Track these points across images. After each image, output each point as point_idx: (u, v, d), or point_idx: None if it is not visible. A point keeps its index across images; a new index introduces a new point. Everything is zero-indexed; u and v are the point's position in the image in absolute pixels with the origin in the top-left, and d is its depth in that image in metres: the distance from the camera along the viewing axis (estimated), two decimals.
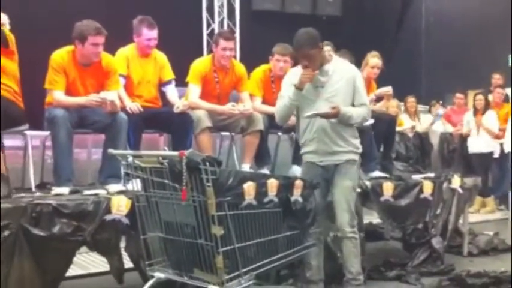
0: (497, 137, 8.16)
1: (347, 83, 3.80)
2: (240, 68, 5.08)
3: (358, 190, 4.57)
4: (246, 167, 4.77)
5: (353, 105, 3.83)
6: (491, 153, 8.10)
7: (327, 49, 5.04)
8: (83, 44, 4.02)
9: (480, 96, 8.24)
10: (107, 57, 4.26)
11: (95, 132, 4.28)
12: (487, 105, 8.18)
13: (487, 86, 8.73)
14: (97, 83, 4.21)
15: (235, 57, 8.92)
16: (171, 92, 4.73)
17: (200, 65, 4.84)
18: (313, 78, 3.72)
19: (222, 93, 4.90)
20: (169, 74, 4.76)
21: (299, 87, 3.74)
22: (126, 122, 4.06)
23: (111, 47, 4.37)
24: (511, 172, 7.77)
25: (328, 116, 3.72)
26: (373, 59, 5.44)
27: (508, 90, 8.75)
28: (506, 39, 9.96)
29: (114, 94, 4.16)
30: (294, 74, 3.87)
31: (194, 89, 4.76)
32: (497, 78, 8.69)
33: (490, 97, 8.49)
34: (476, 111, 8.26)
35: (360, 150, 3.93)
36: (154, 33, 4.55)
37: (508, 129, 7.89)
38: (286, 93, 3.87)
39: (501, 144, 8.10)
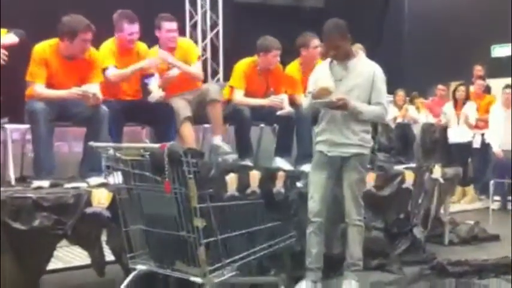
0: (478, 127, 8.24)
1: (365, 79, 3.84)
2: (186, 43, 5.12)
3: None
4: (217, 139, 4.70)
5: (369, 102, 3.85)
6: (470, 143, 8.18)
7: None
8: (72, 40, 4.00)
9: (462, 88, 8.32)
10: (90, 50, 4.22)
11: (76, 125, 4.25)
12: (468, 97, 8.26)
13: (469, 77, 8.80)
14: (79, 75, 4.17)
15: (217, 48, 9.00)
16: (154, 84, 4.68)
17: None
18: (329, 93, 3.72)
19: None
20: None
21: (315, 98, 3.79)
22: (107, 115, 4.03)
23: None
24: (492, 162, 7.90)
25: (333, 106, 3.74)
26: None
27: (489, 82, 8.84)
28: (489, 31, 10.06)
29: (96, 87, 4.13)
30: (318, 72, 4.00)
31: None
32: (478, 69, 8.76)
33: (472, 88, 8.57)
34: (456, 103, 8.34)
35: (370, 145, 3.97)
36: (135, 27, 4.50)
37: (489, 119, 7.98)
38: (309, 92, 3.93)
39: (482, 135, 8.19)
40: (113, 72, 4.36)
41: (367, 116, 3.86)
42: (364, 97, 3.84)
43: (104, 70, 4.37)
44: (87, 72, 4.20)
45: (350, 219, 3.93)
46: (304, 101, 4.09)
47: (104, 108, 4.07)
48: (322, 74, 3.95)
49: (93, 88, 4.04)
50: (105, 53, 4.49)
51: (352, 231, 3.94)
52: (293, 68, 5.31)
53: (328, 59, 3.99)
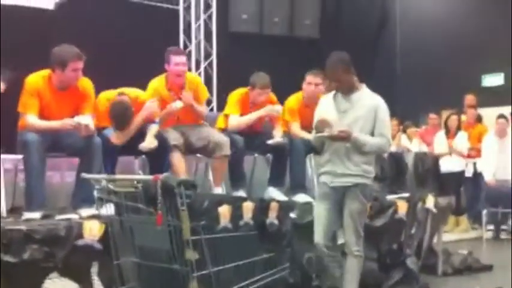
0: (470, 156, 8.28)
1: (369, 111, 3.90)
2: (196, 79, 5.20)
3: None
4: (218, 191, 4.75)
5: (372, 134, 3.91)
6: (462, 173, 8.21)
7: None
8: (63, 69, 4.01)
9: (454, 117, 8.37)
10: (83, 80, 4.23)
11: (69, 155, 4.23)
12: (459, 126, 8.31)
13: (460, 106, 8.87)
14: (72, 106, 4.17)
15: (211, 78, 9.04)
16: (152, 132, 4.44)
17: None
18: (329, 125, 3.82)
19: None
20: None
21: (318, 132, 3.88)
22: (101, 146, 4.03)
23: None
24: (484, 191, 7.92)
25: (337, 138, 3.81)
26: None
27: (480, 111, 8.91)
28: (479, 60, 10.17)
29: (88, 118, 4.13)
30: (324, 104, 4.09)
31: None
32: (470, 99, 8.83)
33: (464, 117, 8.64)
34: (448, 132, 8.39)
35: (372, 175, 4.01)
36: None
37: (482, 149, 8.02)
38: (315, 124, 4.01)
39: (474, 164, 8.23)
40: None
41: (370, 148, 3.90)
42: (367, 129, 3.89)
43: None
44: (79, 102, 4.19)
45: (349, 249, 3.93)
46: (312, 134, 4.11)
47: (98, 139, 4.07)
48: (325, 106, 4.04)
49: (85, 119, 4.04)
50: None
51: (350, 263, 3.94)
52: (294, 98, 5.33)
53: (333, 92, 4.06)
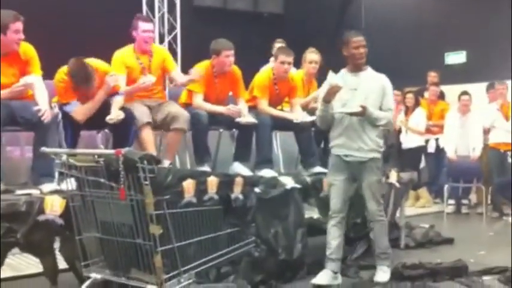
0: (433, 132, 8.41)
1: (378, 88, 4.25)
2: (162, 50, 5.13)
3: (299, 186, 4.65)
4: (166, 163, 4.60)
5: (380, 109, 4.24)
6: (421, 148, 8.33)
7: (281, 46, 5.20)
8: (4, 33, 3.87)
9: (410, 95, 8.48)
10: (24, 45, 4.08)
11: (26, 129, 4.10)
12: (417, 103, 8.40)
13: (423, 83, 8.98)
14: (17, 72, 4.03)
15: (175, 52, 8.91)
16: (117, 104, 4.40)
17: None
18: (339, 89, 4.07)
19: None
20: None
21: (326, 100, 4.13)
22: (56, 119, 3.92)
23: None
24: (446, 166, 8.07)
25: (357, 114, 4.12)
26: (311, 55, 5.61)
27: (443, 88, 9.03)
28: (443, 38, 10.28)
29: (34, 78, 4.00)
30: (332, 78, 4.20)
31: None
32: (433, 76, 8.94)
33: (426, 94, 8.75)
34: (406, 109, 8.50)
35: (383, 149, 4.38)
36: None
37: (445, 125, 8.15)
38: (321, 98, 4.25)
39: (436, 140, 8.36)
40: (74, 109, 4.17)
41: (381, 121, 4.22)
42: (377, 104, 4.22)
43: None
44: (24, 67, 4.06)
45: (372, 216, 4.33)
46: (317, 111, 4.34)
47: (52, 112, 3.95)
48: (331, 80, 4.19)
49: (30, 78, 3.93)
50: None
51: (376, 226, 4.35)
52: (264, 75, 5.33)
53: (340, 72, 4.30)
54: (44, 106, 3.89)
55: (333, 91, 4.07)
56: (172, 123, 4.65)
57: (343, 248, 4.37)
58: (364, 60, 4.29)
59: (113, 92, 4.37)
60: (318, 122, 4.39)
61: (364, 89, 4.22)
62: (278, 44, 6.19)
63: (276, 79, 5.26)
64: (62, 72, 4.26)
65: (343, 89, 4.14)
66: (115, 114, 4.24)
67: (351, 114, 4.14)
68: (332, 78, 4.12)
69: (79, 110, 4.19)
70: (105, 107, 4.29)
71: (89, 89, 4.19)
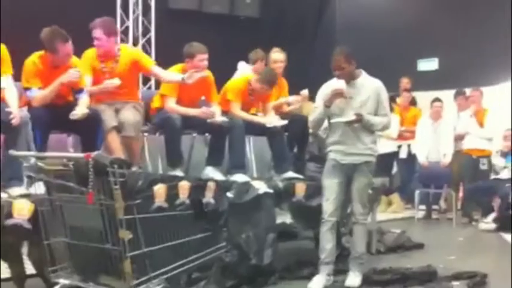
0: (405, 138, 8.49)
1: (373, 94, 4.36)
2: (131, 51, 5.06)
3: (271, 191, 4.65)
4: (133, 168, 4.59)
5: (376, 114, 4.37)
6: (393, 154, 8.41)
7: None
8: None
9: None
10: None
11: None
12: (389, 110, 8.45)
13: (396, 89, 9.06)
14: None
15: (149, 55, 8.85)
16: (82, 101, 4.37)
17: None
18: (342, 95, 4.25)
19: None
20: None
21: (327, 105, 4.29)
22: (27, 121, 3.86)
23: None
24: (417, 172, 8.16)
25: (353, 122, 4.26)
26: (275, 54, 5.65)
27: (416, 94, 9.14)
28: (416, 45, 10.41)
29: (4, 78, 3.95)
30: (327, 88, 4.42)
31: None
32: (405, 82, 9.04)
33: (398, 100, 8.83)
34: None
35: (377, 153, 4.51)
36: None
37: (417, 131, 8.24)
38: (318, 105, 4.42)
39: (408, 145, 8.44)
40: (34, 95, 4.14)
41: (377, 127, 4.40)
42: (373, 110, 4.35)
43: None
44: None
45: (356, 217, 4.42)
46: (311, 116, 4.51)
47: (23, 114, 3.90)
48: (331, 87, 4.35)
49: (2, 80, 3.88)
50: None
51: (357, 229, 4.46)
52: (240, 80, 5.34)
53: (334, 79, 4.40)
54: (15, 108, 3.84)
55: (337, 96, 4.24)
56: (121, 130, 4.58)
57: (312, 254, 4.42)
58: (346, 78, 4.33)
59: (79, 90, 4.33)
60: (311, 125, 4.60)
61: (359, 97, 4.33)
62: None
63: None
64: (35, 55, 4.24)
65: (343, 85, 4.30)
66: (79, 109, 4.16)
67: (348, 123, 4.27)
68: (337, 82, 4.30)
69: (36, 96, 4.15)
70: (73, 109, 4.23)
71: (60, 57, 4.19)
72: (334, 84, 4.35)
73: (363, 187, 4.40)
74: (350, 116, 4.24)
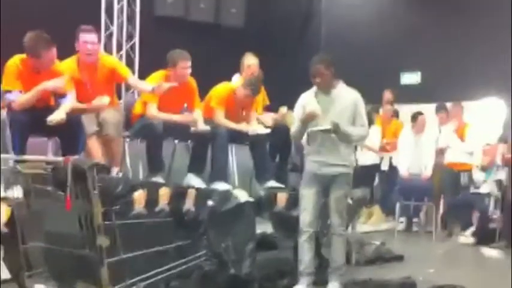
0: (386, 150, 8.52)
1: (350, 105, 4.35)
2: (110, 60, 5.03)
3: (252, 200, 4.64)
4: (114, 170, 4.49)
5: (353, 125, 4.35)
6: (376, 166, 8.43)
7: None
8: None
9: None
10: None
11: None
12: (370, 121, 8.46)
13: (378, 102, 9.10)
14: None
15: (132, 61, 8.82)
16: (64, 106, 4.28)
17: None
18: (316, 116, 4.24)
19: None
20: None
21: (303, 123, 4.30)
22: (4, 124, 3.81)
23: None
24: (398, 185, 8.18)
25: (329, 131, 4.23)
26: (248, 59, 5.62)
27: (398, 107, 9.19)
28: (398, 58, 10.50)
29: None
30: (304, 99, 4.42)
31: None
32: (387, 95, 9.07)
33: (381, 112, 8.87)
34: None
35: (354, 165, 4.53)
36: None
37: (399, 143, 8.28)
38: (297, 118, 4.42)
39: (390, 158, 8.47)
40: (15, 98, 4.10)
41: (355, 137, 4.40)
42: (349, 121, 4.33)
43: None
44: None
45: (334, 229, 4.39)
46: (292, 127, 4.50)
47: (1, 116, 3.85)
48: (308, 102, 4.36)
49: None
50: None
51: (336, 241, 4.41)
52: (223, 87, 5.30)
53: (312, 90, 4.40)
54: None
55: (311, 117, 4.23)
56: (101, 130, 4.56)
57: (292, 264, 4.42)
58: (324, 87, 4.34)
59: (61, 95, 4.28)
60: (293, 136, 4.59)
61: (336, 107, 4.32)
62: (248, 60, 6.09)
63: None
64: (18, 57, 4.21)
65: (317, 106, 4.28)
66: (55, 114, 4.10)
67: (324, 131, 4.24)
68: (310, 105, 4.28)
69: (17, 100, 4.10)
70: (53, 112, 4.18)
71: (43, 62, 4.15)
72: (308, 103, 4.32)
73: (340, 198, 4.37)
74: (326, 125, 4.22)
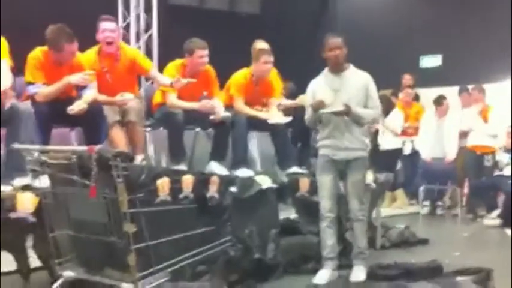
0: (409, 134, 8.46)
1: (361, 87, 4.30)
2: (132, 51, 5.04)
3: (275, 186, 4.64)
4: (138, 159, 4.55)
5: (365, 107, 4.30)
6: (399, 150, 8.38)
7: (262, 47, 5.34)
8: None
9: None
10: None
11: None
12: (391, 105, 8.40)
13: (398, 86, 9.03)
14: None
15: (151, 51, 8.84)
16: (85, 96, 4.31)
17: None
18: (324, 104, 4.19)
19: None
20: None
21: (314, 110, 4.26)
22: (29, 114, 3.85)
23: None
24: (421, 168, 8.13)
25: (341, 113, 4.18)
26: (260, 43, 5.45)
27: (418, 91, 9.11)
28: (418, 41, 10.38)
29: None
30: (313, 85, 4.43)
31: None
32: (407, 78, 9.01)
33: (400, 95, 8.80)
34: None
35: (369, 148, 4.46)
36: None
37: (421, 128, 8.21)
38: (307, 104, 4.40)
39: (412, 142, 8.41)
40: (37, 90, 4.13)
41: (367, 119, 4.33)
42: (361, 103, 4.27)
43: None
44: None
45: (354, 215, 4.36)
46: (306, 114, 4.45)
47: (25, 106, 3.88)
48: (318, 87, 4.36)
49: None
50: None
51: (356, 226, 4.40)
52: (242, 74, 5.27)
53: (322, 75, 4.40)
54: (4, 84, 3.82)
55: (321, 105, 4.19)
56: (124, 117, 4.58)
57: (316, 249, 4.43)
58: (340, 62, 4.32)
59: (83, 86, 4.30)
60: (307, 123, 4.51)
61: (347, 89, 4.28)
62: (259, 45, 6.10)
63: (256, 79, 5.24)
64: (39, 50, 4.23)
65: (327, 91, 4.26)
66: (76, 105, 4.11)
67: (336, 113, 4.19)
68: (319, 92, 4.28)
69: (41, 92, 4.13)
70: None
71: (64, 56, 4.16)
72: (318, 90, 4.32)
73: (357, 182, 4.33)
74: (338, 107, 4.18)
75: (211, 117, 4.83)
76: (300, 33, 10.68)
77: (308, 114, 4.42)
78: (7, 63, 4.05)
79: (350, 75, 4.34)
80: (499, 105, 7.96)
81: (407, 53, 10.43)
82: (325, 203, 4.34)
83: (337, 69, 4.33)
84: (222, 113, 4.86)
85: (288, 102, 5.66)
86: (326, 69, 4.42)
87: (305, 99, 4.82)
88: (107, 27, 4.63)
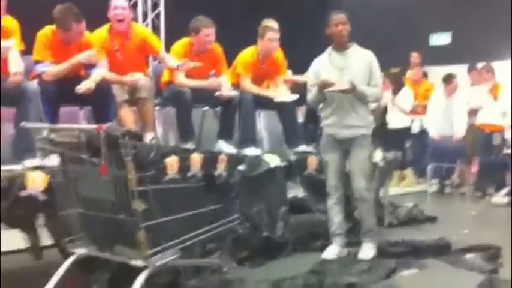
0: (417, 113, 8.42)
1: (365, 65, 4.29)
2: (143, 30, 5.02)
3: (283, 164, 4.65)
4: (148, 137, 4.58)
5: (368, 85, 4.29)
6: (406, 129, 8.35)
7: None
8: None
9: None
10: (5, 19, 4.01)
11: (4, 105, 4.01)
12: (401, 83, 8.34)
13: (407, 64, 8.98)
14: None
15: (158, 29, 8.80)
16: (94, 76, 4.28)
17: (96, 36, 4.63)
18: (330, 85, 4.17)
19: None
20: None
21: (321, 89, 4.23)
22: (37, 94, 3.86)
23: None
24: (430, 147, 8.11)
25: (346, 91, 4.16)
26: (268, 21, 5.30)
27: (427, 69, 9.05)
28: (427, 19, 10.28)
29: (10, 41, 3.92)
30: (317, 63, 4.42)
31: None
32: (415, 57, 8.94)
33: (409, 74, 8.75)
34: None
35: (373, 125, 4.42)
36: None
37: (429, 106, 8.17)
38: (311, 84, 4.37)
39: (421, 120, 8.38)
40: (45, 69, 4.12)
41: (370, 97, 4.31)
42: (365, 81, 4.26)
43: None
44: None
45: (359, 194, 4.35)
46: (309, 94, 4.43)
47: (33, 86, 3.89)
48: (322, 65, 4.36)
49: (7, 43, 3.85)
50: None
51: (362, 206, 4.41)
52: (248, 53, 5.25)
53: (326, 53, 4.37)
54: (15, 68, 3.82)
55: (326, 85, 4.17)
56: (135, 93, 4.59)
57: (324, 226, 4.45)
58: (345, 38, 4.30)
59: (92, 65, 4.30)
60: (310, 103, 4.51)
61: (351, 67, 4.27)
62: (266, 22, 6.04)
63: (262, 57, 5.22)
64: (48, 28, 4.22)
65: (331, 69, 4.26)
66: (83, 84, 4.10)
67: (341, 91, 4.18)
68: (324, 71, 4.27)
69: (49, 71, 4.13)
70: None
71: (72, 35, 4.15)
72: (322, 69, 4.31)
73: (361, 160, 4.32)
74: (344, 86, 4.16)
75: (217, 93, 4.82)
76: (306, 11, 10.58)
77: (311, 94, 4.40)
78: (18, 48, 4.05)
79: (354, 53, 4.33)
80: (508, 83, 7.90)
81: (416, 31, 10.34)
82: (331, 181, 4.37)
83: (341, 46, 4.32)
84: (226, 91, 4.85)
85: (295, 77, 5.63)
86: (330, 48, 4.39)
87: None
88: (118, 4, 4.61)
